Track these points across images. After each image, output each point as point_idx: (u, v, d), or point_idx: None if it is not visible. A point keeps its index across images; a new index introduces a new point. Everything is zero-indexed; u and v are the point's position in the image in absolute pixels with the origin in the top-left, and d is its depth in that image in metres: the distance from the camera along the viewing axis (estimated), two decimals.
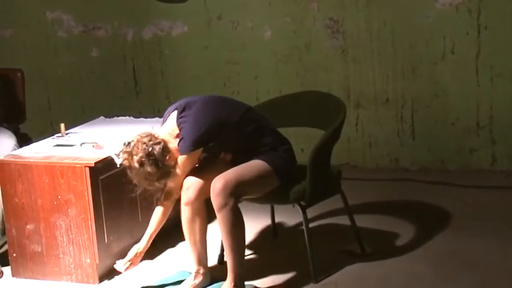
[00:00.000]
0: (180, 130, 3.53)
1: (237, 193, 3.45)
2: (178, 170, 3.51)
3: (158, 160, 3.41)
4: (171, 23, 5.80)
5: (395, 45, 5.35)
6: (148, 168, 3.40)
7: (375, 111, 5.49)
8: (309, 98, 4.21)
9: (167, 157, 3.46)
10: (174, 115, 3.58)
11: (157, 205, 3.63)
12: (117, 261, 3.65)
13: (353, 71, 5.47)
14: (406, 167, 5.47)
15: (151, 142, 3.43)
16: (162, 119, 3.72)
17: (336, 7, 5.41)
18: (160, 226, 3.65)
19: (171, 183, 3.54)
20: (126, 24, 5.92)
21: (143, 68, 5.96)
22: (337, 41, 5.46)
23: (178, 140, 3.51)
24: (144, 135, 3.47)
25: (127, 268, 3.64)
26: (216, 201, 3.43)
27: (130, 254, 3.64)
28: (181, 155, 3.50)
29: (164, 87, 5.90)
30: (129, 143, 3.45)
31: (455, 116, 5.33)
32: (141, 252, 3.64)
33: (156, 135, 3.49)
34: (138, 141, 3.43)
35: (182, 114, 3.53)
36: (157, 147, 3.42)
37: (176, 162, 3.50)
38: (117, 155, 3.53)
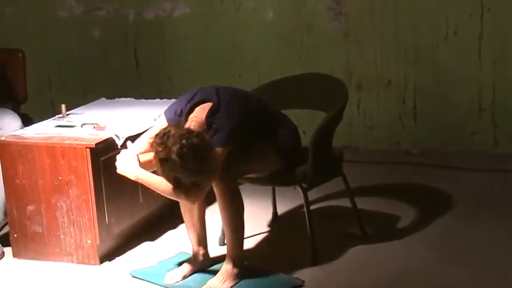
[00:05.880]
0: (208, 126, 3.36)
1: (235, 169, 3.41)
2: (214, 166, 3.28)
3: (199, 153, 3.17)
4: (173, 4, 5.78)
5: (397, 27, 5.32)
6: (188, 162, 3.14)
7: (376, 94, 5.48)
8: (311, 80, 4.20)
9: (207, 150, 3.22)
10: (202, 108, 3.41)
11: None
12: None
13: (355, 53, 5.46)
14: (408, 149, 5.47)
15: (189, 134, 3.18)
16: (185, 101, 3.49)
17: None
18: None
19: (205, 183, 3.31)
20: (127, 4, 5.90)
21: (145, 49, 5.94)
22: (339, 23, 5.44)
23: (209, 134, 3.33)
24: (180, 127, 3.24)
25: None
26: None
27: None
28: (218, 147, 3.30)
29: (166, 69, 5.89)
30: (164, 134, 3.19)
31: (457, 99, 5.32)
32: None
33: (191, 128, 3.27)
34: (176, 132, 3.17)
35: (215, 115, 3.37)
36: (196, 140, 3.18)
37: (213, 157, 3.26)
38: (151, 144, 3.23)
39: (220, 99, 3.43)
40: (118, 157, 3.43)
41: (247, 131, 3.47)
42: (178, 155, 3.14)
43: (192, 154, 3.15)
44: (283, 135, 3.62)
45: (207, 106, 3.42)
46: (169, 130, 3.21)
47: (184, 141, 3.14)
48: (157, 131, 3.31)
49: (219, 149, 3.31)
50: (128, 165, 3.39)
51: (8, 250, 4.00)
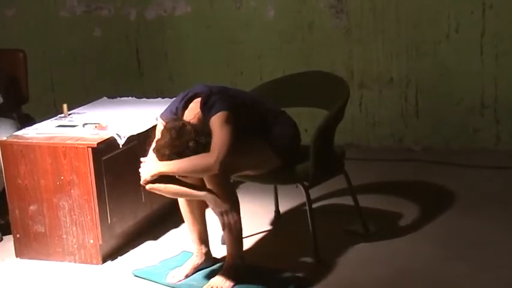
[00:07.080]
0: (204, 113, 3.44)
1: (228, 167, 3.39)
2: (219, 140, 3.35)
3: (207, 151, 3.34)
4: (174, 3, 5.78)
5: (399, 24, 5.32)
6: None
7: (378, 91, 5.47)
8: (313, 78, 4.20)
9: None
10: (196, 102, 3.48)
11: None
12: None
13: (357, 51, 5.45)
14: (410, 147, 5.46)
15: (202, 132, 3.35)
16: (179, 99, 3.55)
17: None
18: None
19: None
20: (129, 4, 5.90)
21: (146, 48, 5.94)
22: (340, 20, 5.43)
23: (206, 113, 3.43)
24: (192, 124, 3.38)
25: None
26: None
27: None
28: (220, 111, 3.37)
29: (167, 68, 5.89)
30: (181, 128, 3.33)
31: (459, 96, 5.31)
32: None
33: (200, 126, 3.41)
34: (191, 129, 3.34)
35: (208, 102, 3.44)
36: (208, 139, 3.34)
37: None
38: (166, 128, 3.37)
39: (211, 90, 3.49)
40: (140, 170, 3.44)
41: (242, 120, 3.46)
42: (193, 150, 3.32)
43: (203, 151, 3.32)
44: (280, 133, 3.61)
45: (200, 99, 3.48)
46: (185, 125, 3.35)
47: (198, 138, 3.33)
48: (159, 136, 3.39)
49: (222, 114, 3.37)
50: (150, 167, 3.41)
51: (9, 246, 4.00)
